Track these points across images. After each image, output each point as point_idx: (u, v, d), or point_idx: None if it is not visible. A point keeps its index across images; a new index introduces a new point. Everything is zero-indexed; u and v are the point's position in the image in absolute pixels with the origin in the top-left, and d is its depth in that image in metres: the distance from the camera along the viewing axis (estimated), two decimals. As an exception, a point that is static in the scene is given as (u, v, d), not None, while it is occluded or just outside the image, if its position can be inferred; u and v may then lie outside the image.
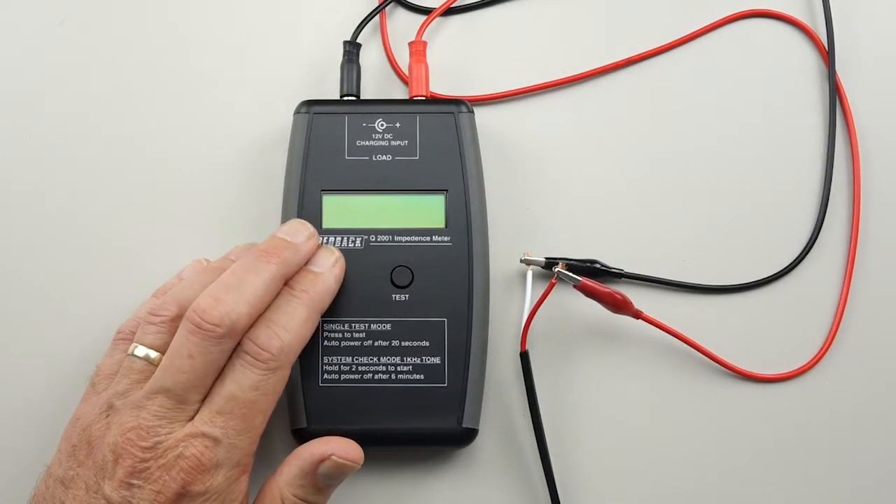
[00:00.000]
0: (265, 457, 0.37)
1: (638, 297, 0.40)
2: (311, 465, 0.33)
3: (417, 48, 0.43)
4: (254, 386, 0.33)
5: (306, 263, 0.37)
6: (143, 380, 0.33)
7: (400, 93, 0.44)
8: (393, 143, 0.40)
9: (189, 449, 0.31)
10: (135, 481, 0.31)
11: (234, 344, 0.33)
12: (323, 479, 0.34)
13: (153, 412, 0.32)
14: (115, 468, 0.31)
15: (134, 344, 0.34)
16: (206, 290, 0.33)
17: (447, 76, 0.44)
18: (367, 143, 0.40)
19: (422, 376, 0.37)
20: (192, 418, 0.32)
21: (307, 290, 0.35)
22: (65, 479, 0.32)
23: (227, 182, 0.42)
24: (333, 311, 0.37)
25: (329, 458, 0.33)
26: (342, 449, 0.34)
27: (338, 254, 0.37)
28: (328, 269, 0.37)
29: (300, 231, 0.37)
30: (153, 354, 0.34)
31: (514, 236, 0.41)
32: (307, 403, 0.37)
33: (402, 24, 0.45)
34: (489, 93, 0.44)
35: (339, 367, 0.37)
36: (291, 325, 0.34)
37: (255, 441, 0.33)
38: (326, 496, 0.34)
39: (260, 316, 0.34)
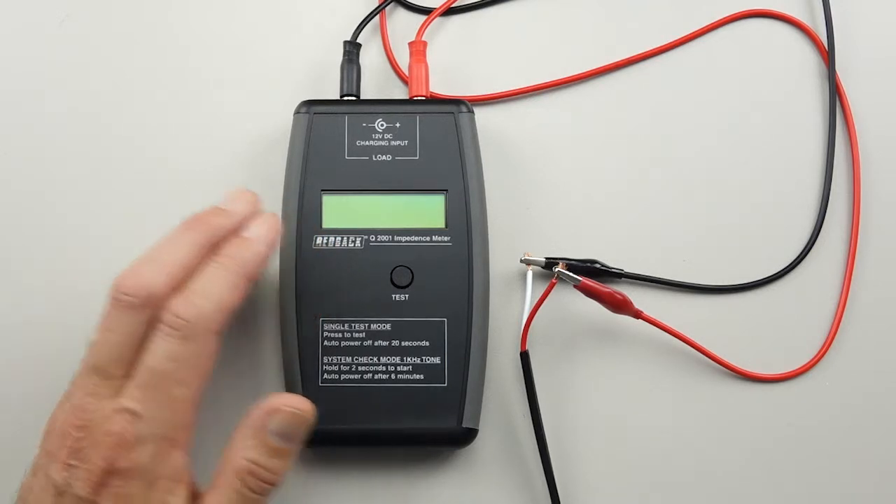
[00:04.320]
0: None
1: (638, 297, 0.39)
2: (260, 420, 0.32)
3: (417, 48, 0.43)
4: (169, 356, 0.31)
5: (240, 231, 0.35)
6: None
7: (400, 93, 0.44)
8: (393, 143, 0.40)
9: (113, 425, 0.31)
10: (73, 462, 0.31)
11: (154, 314, 0.32)
12: (275, 439, 0.32)
13: (85, 390, 0.32)
14: (59, 451, 0.31)
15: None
16: (128, 266, 0.33)
17: (447, 76, 0.44)
18: (367, 143, 0.40)
19: (422, 376, 0.37)
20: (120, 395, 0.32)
21: (232, 255, 0.34)
22: (35, 467, 0.32)
23: (227, 182, 0.42)
24: (333, 310, 0.38)
25: (278, 411, 0.32)
26: (290, 400, 0.33)
27: (273, 219, 0.36)
28: (258, 234, 0.35)
29: (238, 199, 0.36)
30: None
31: (514, 236, 0.41)
32: (307, 403, 0.37)
33: (402, 24, 0.45)
34: (489, 93, 0.44)
35: (339, 367, 0.37)
36: (210, 292, 0.32)
37: (180, 413, 0.32)
38: (284, 461, 0.33)
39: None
